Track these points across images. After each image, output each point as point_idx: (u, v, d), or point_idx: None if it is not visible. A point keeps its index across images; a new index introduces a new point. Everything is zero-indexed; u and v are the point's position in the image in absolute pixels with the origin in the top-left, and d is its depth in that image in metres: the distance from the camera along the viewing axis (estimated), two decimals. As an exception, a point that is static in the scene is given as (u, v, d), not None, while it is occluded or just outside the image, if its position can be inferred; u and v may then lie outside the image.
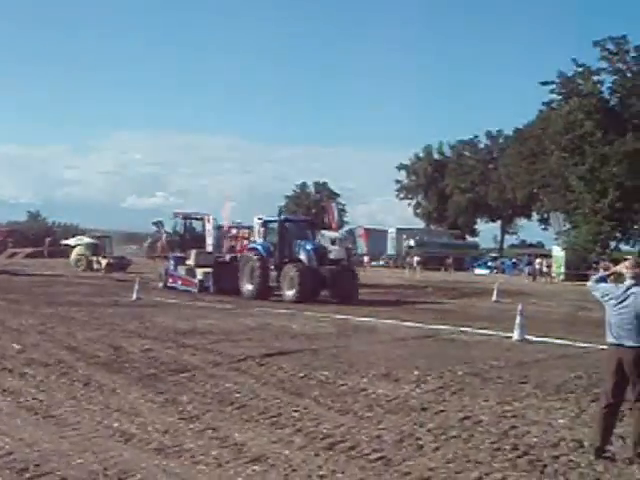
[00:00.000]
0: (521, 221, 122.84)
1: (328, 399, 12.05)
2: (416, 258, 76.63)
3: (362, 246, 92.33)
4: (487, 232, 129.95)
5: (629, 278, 9.06)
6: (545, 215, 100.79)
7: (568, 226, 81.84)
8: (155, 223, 45.56)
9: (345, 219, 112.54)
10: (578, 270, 66.29)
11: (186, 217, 42.91)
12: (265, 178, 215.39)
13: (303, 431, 10.00)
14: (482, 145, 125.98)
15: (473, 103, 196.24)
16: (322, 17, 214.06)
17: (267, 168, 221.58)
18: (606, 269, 10.85)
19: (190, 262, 39.20)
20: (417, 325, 24.18)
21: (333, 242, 38.49)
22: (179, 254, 40.72)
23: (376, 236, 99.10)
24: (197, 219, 42.90)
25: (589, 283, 9.84)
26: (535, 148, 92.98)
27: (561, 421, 10.99)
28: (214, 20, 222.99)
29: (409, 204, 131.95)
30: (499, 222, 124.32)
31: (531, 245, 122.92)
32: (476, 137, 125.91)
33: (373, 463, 8.66)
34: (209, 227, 40.38)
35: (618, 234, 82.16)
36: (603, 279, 9.64)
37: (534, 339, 20.69)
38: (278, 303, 31.15)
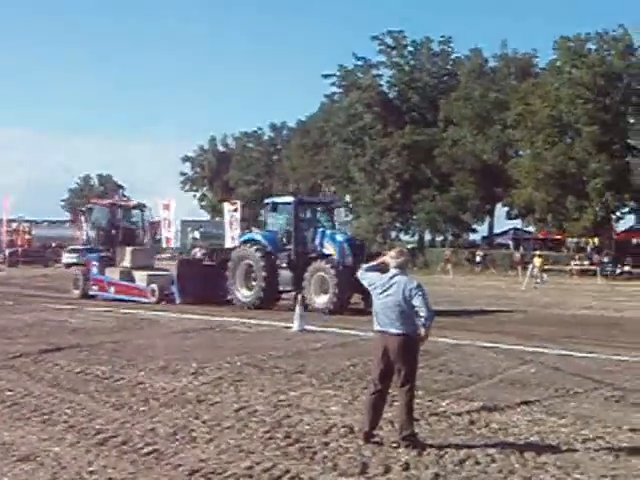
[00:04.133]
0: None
1: (103, 394, 11.91)
2: (202, 250, 76.24)
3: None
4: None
5: (393, 267, 9.34)
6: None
7: (350, 217, 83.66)
8: (82, 211, 36.79)
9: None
10: (360, 260, 67.73)
11: (114, 205, 35.02)
12: (48, 170, 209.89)
13: (75, 427, 9.84)
14: (266, 137, 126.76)
15: (258, 96, 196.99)
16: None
17: (51, 160, 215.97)
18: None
19: (125, 264, 31.89)
20: (199, 317, 24.19)
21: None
22: (102, 253, 32.89)
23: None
24: (133, 208, 35.52)
25: (359, 272, 10.09)
26: (318, 140, 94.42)
27: (334, 408, 11.23)
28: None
29: (194, 196, 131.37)
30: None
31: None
32: (260, 129, 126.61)
33: (145, 457, 8.62)
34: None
35: (398, 224, 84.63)
36: (372, 268, 9.91)
37: (314, 329, 21.02)
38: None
